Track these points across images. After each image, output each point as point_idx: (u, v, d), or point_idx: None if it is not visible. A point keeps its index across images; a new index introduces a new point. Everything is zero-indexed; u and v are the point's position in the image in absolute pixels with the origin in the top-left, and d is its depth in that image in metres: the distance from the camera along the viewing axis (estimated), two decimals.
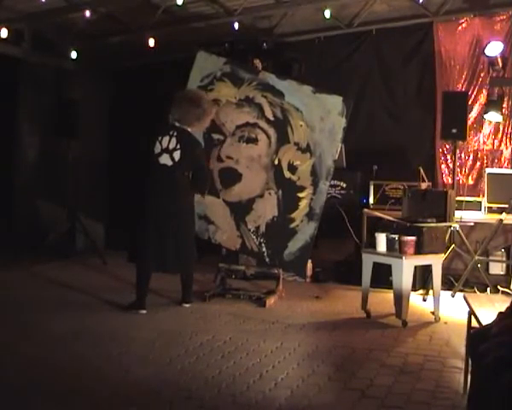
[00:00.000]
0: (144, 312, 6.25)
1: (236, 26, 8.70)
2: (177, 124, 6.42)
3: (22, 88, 9.89)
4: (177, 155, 6.31)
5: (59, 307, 6.42)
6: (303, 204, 6.87)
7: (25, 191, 9.82)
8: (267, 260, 7.04)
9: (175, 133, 6.37)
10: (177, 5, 8.11)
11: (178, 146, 6.32)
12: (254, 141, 7.11)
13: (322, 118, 6.87)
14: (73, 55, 9.48)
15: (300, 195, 6.88)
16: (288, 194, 6.92)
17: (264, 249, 6.99)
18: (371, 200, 7.87)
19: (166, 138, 6.35)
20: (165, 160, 6.32)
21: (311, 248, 7.06)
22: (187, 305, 6.59)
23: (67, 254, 9.23)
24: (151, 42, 8.83)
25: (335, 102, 6.85)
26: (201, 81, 7.40)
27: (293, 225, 6.89)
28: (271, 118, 7.04)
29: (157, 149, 6.35)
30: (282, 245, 6.91)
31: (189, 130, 6.47)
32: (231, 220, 7.11)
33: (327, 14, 8.23)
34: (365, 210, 7.50)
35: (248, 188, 7.10)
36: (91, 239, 9.43)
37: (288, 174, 6.96)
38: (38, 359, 4.75)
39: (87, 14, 8.39)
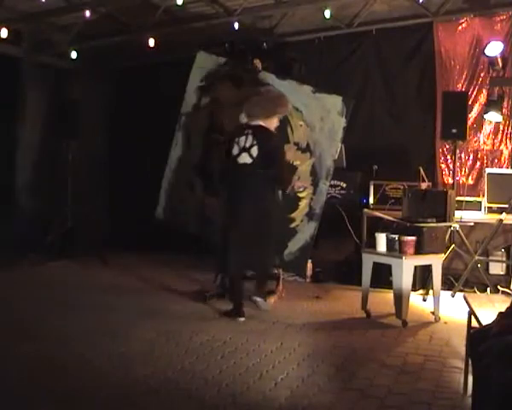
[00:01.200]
0: (242, 319, 6.08)
1: (236, 26, 8.69)
2: (249, 121, 6.29)
3: (22, 88, 9.90)
4: (254, 150, 6.15)
5: (59, 307, 6.42)
6: (303, 204, 6.87)
7: (25, 191, 9.82)
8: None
9: (250, 131, 6.22)
10: (177, 5, 8.11)
11: (255, 142, 6.15)
12: None
13: (322, 118, 6.88)
14: (73, 55, 9.48)
15: (300, 195, 6.88)
16: (287, 194, 6.92)
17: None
18: (371, 200, 7.86)
19: (243, 138, 6.20)
20: (244, 159, 6.18)
21: (311, 248, 7.07)
22: (258, 299, 6.40)
23: (67, 254, 9.23)
24: (151, 42, 8.83)
25: (335, 102, 6.85)
26: (201, 81, 7.42)
27: (293, 225, 6.90)
28: None
29: (235, 150, 6.22)
30: (282, 245, 6.91)
31: (263, 124, 6.28)
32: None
33: (327, 14, 8.23)
34: (365, 210, 7.49)
35: None
36: (91, 239, 9.43)
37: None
38: (38, 358, 4.75)
39: (87, 14, 8.38)
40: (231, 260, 6.23)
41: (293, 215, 6.91)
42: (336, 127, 6.84)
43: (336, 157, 6.89)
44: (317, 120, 6.90)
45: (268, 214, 6.24)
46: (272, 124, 6.31)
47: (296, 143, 6.95)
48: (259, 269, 6.51)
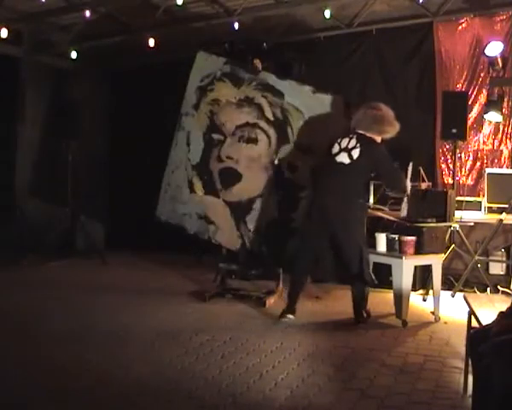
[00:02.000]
0: (292, 317, 6.06)
1: (236, 26, 8.69)
2: (357, 129, 6.12)
3: (22, 88, 9.90)
4: (356, 152, 5.97)
5: (59, 306, 6.42)
6: (303, 204, 6.86)
7: (25, 192, 9.82)
8: (267, 259, 7.05)
9: (355, 136, 6.05)
10: (177, 5, 8.11)
11: (358, 145, 5.99)
12: (254, 141, 7.11)
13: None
14: (73, 55, 9.49)
15: (301, 194, 6.88)
16: (288, 194, 6.92)
17: (264, 249, 7.00)
18: (371, 200, 7.85)
19: (346, 139, 6.05)
20: (342, 158, 6.00)
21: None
22: (358, 323, 6.06)
23: (68, 254, 9.24)
24: (151, 42, 8.83)
25: (336, 102, 6.84)
26: (201, 81, 7.41)
27: (294, 225, 6.89)
28: (271, 118, 7.04)
29: (335, 149, 6.05)
30: (282, 245, 6.91)
31: (370, 136, 6.12)
32: (232, 220, 7.11)
33: (327, 14, 8.23)
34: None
35: (248, 188, 7.10)
36: (91, 239, 9.44)
37: (287, 174, 6.96)
38: (39, 359, 4.76)
39: (87, 14, 8.39)
40: (299, 262, 6.18)
41: (293, 215, 6.90)
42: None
43: None
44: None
45: (352, 225, 5.99)
46: (378, 139, 6.16)
47: (296, 144, 6.94)
48: (335, 280, 6.43)
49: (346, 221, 5.92)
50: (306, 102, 6.93)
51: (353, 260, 5.93)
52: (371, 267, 6.18)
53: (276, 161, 6.96)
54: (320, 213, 5.98)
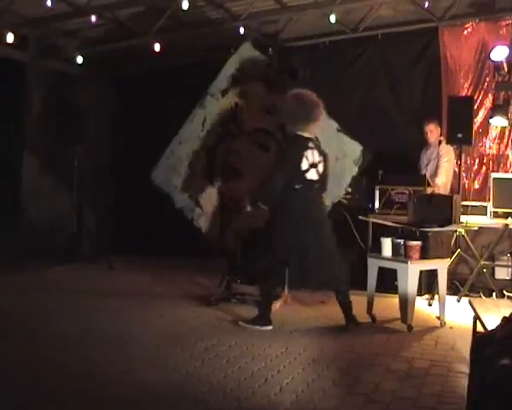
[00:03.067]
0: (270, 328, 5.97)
1: (242, 30, 8.71)
2: (304, 134, 5.93)
3: (28, 93, 9.93)
4: (320, 167, 5.95)
5: (64, 310, 6.44)
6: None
7: (31, 196, 9.84)
8: (238, 263, 7.10)
9: (313, 145, 5.93)
10: (183, 10, 8.12)
11: (321, 158, 5.95)
12: (266, 149, 7.09)
13: (336, 158, 6.81)
14: (79, 60, 9.51)
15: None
16: None
17: (239, 252, 7.04)
18: (377, 205, 7.85)
19: (309, 152, 5.88)
20: (311, 175, 5.89)
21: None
22: (348, 327, 6.02)
23: (73, 258, 9.26)
24: (156, 47, 8.85)
25: (354, 149, 6.80)
26: (237, 71, 7.35)
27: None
28: None
29: (304, 165, 5.85)
30: (256, 256, 6.94)
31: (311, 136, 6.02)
32: (218, 211, 7.13)
33: (332, 19, 8.24)
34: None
35: (244, 189, 7.11)
36: (97, 244, 9.45)
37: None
38: (43, 361, 4.76)
39: (93, 19, 8.42)
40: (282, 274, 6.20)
41: None
42: (346, 174, 6.81)
43: (336, 201, 6.87)
44: (331, 158, 6.81)
45: (325, 228, 6.03)
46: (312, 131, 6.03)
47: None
48: (318, 286, 6.27)
49: (318, 230, 5.93)
50: (328, 136, 6.85)
51: (332, 263, 5.97)
52: (376, 272, 6.18)
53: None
54: (301, 228, 5.88)
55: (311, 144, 5.91)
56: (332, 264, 5.97)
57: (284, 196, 5.85)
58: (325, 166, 6.00)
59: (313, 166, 5.87)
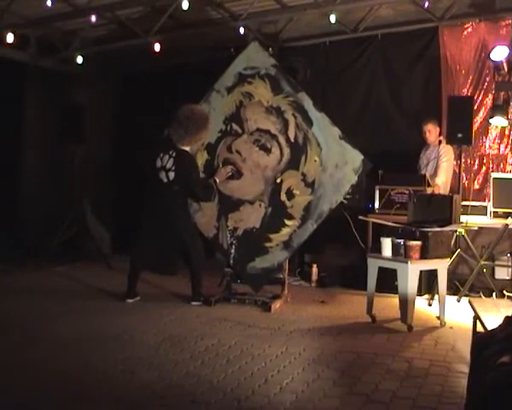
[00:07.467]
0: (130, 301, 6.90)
1: (242, 30, 8.71)
2: (177, 145, 6.87)
3: (28, 93, 9.95)
4: (171, 175, 6.81)
5: (64, 310, 6.43)
6: (285, 231, 6.90)
7: (30, 195, 9.85)
8: (231, 262, 7.15)
9: (174, 154, 6.86)
10: (183, 10, 8.12)
11: (174, 168, 6.81)
12: (267, 151, 7.09)
13: (336, 165, 6.81)
14: (79, 60, 9.50)
15: (287, 222, 6.91)
16: (276, 215, 6.94)
17: (232, 251, 7.09)
18: (377, 205, 7.85)
19: (166, 157, 6.88)
20: (162, 176, 6.86)
21: (275, 274, 7.12)
22: (193, 303, 6.93)
23: (73, 258, 9.26)
24: (157, 47, 8.84)
25: (355, 158, 6.78)
26: (244, 70, 7.32)
27: (267, 245, 6.94)
28: (292, 139, 6.99)
29: (158, 164, 6.90)
30: (249, 256, 6.97)
31: (187, 150, 6.94)
32: (216, 209, 7.17)
33: (332, 19, 8.23)
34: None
35: (243, 189, 7.12)
36: (97, 244, 9.45)
37: (283, 197, 6.97)
38: (43, 363, 4.76)
39: (93, 19, 8.41)
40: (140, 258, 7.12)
41: (271, 236, 6.94)
42: (345, 181, 6.80)
43: (334, 207, 6.88)
44: (331, 165, 6.82)
45: (174, 214, 6.88)
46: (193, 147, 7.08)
47: (303, 174, 6.91)
48: (168, 271, 7.29)
49: (169, 217, 6.90)
50: (330, 142, 6.87)
51: (182, 245, 6.94)
52: (376, 272, 6.18)
53: (278, 180, 7.07)
54: (151, 217, 7.09)
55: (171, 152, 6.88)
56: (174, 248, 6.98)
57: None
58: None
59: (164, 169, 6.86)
